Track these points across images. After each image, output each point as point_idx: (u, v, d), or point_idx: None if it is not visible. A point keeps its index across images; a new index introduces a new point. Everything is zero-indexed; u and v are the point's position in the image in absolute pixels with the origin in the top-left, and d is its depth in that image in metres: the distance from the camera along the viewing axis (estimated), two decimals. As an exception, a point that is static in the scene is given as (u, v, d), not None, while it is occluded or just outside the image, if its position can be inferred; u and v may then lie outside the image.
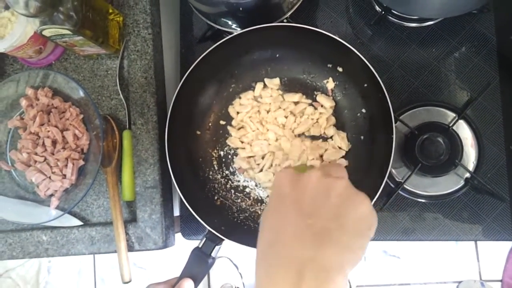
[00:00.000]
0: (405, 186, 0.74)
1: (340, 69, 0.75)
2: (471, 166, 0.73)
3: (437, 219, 0.74)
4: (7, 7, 0.74)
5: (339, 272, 0.37)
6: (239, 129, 0.79)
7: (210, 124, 0.80)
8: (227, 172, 0.79)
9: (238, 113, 0.79)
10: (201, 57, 0.71)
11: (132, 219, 0.77)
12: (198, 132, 0.79)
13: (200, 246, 0.69)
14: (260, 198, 0.78)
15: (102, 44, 0.75)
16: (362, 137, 0.75)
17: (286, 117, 0.77)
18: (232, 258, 1.65)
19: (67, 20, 0.67)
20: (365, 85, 0.72)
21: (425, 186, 0.74)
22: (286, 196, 0.41)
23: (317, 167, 0.43)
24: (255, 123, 0.78)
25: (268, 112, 0.78)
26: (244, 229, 0.75)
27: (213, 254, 0.68)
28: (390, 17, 0.79)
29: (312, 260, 0.37)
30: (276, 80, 0.78)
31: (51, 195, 0.77)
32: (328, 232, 0.38)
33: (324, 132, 0.76)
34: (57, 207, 0.77)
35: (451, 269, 1.56)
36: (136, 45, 0.77)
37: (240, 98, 0.79)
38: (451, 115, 0.74)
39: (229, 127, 0.79)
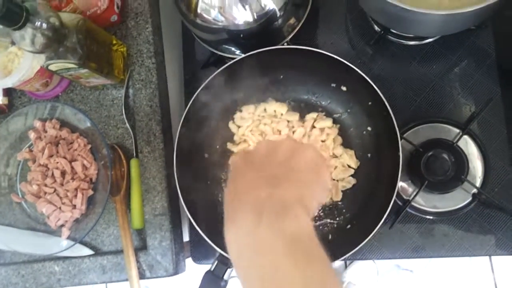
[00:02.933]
0: (412, 203, 0.74)
1: (344, 88, 0.76)
2: (477, 181, 0.73)
3: (446, 235, 0.74)
4: (13, 43, 0.76)
5: (297, 203, 0.39)
6: (239, 143, 0.80)
7: (217, 147, 0.81)
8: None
9: (239, 127, 0.80)
10: (204, 83, 0.72)
11: (142, 246, 0.78)
12: (206, 155, 0.80)
13: (212, 269, 0.70)
14: (268, 220, 0.78)
15: (107, 75, 0.76)
16: (369, 155, 0.75)
17: (293, 128, 0.78)
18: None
19: (72, 54, 0.68)
20: (369, 103, 0.73)
21: (433, 203, 0.74)
22: (239, 167, 0.45)
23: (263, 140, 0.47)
24: (257, 135, 0.78)
25: (271, 123, 0.79)
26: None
27: (225, 277, 0.69)
28: (389, 36, 0.80)
29: (268, 197, 0.39)
30: (284, 106, 0.79)
31: (62, 225, 0.78)
32: (279, 176, 0.42)
33: (333, 153, 0.76)
34: (68, 237, 0.77)
35: (466, 282, 1.54)
36: (141, 74, 0.78)
37: (241, 111, 0.80)
38: (455, 131, 0.74)
39: (228, 144, 0.80)
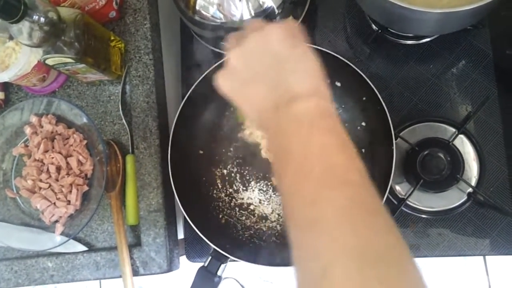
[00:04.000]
0: (408, 202, 0.74)
1: (338, 84, 0.76)
2: (473, 180, 0.73)
3: (441, 235, 0.74)
4: (11, 38, 0.76)
5: (301, 85, 0.42)
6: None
7: (212, 143, 0.80)
8: (230, 190, 0.80)
9: None
10: (201, 77, 0.73)
11: (136, 243, 0.77)
12: (201, 152, 0.80)
13: (205, 265, 0.70)
14: (264, 215, 0.78)
15: (104, 70, 0.76)
16: (363, 150, 0.75)
17: None
18: (239, 279, 1.63)
19: (70, 48, 0.68)
20: (364, 98, 0.73)
21: (428, 202, 0.74)
22: (236, 56, 0.45)
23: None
24: None
25: None
26: (250, 246, 0.75)
27: (219, 273, 0.69)
28: (387, 35, 0.80)
29: (278, 85, 0.42)
30: None
31: (56, 221, 0.78)
32: (275, 68, 0.43)
33: None
34: (62, 233, 0.77)
35: (460, 283, 1.53)
36: (138, 70, 0.78)
37: None
38: (451, 130, 0.74)
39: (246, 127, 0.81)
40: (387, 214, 0.36)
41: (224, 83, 0.46)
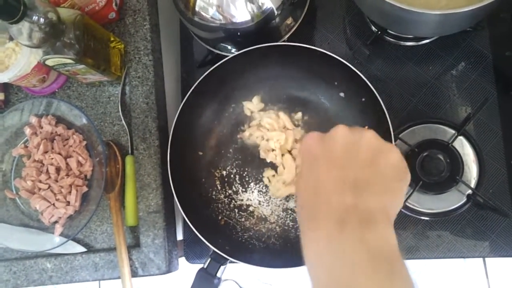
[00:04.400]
0: (407, 204, 0.74)
1: (335, 83, 0.76)
2: (472, 182, 0.73)
3: (440, 237, 0.74)
4: (11, 38, 0.76)
5: (382, 213, 0.37)
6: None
7: (212, 145, 0.80)
8: (230, 191, 0.79)
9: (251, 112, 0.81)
10: (200, 79, 0.73)
11: (135, 244, 0.77)
12: (200, 153, 0.80)
13: (205, 266, 0.69)
14: (264, 217, 0.78)
15: (104, 71, 0.76)
16: None
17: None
18: (239, 281, 1.63)
19: (70, 49, 0.68)
20: (363, 99, 0.73)
21: (428, 204, 0.74)
22: (317, 156, 0.41)
23: (340, 125, 0.42)
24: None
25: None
26: (249, 248, 0.75)
27: (218, 274, 0.69)
28: (386, 37, 0.80)
29: (353, 206, 0.37)
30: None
31: (55, 222, 0.78)
32: (364, 180, 0.38)
33: None
34: (61, 234, 0.77)
35: (460, 285, 1.53)
36: (138, 71, 0.78)
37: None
38: (451, 131, 0.74)
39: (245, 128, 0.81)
40: None
41: (312, 143, 0.42)
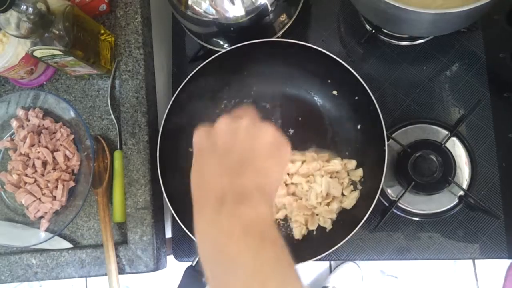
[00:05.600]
0: (399, 204, 0.73)
1: (329, 81, 0.75)
2: (464, 183, 0.73)
3: (432, 238, 0.73)
4: (-1, 29, 0.74)
5: (256, 191, 0.41)
6: None
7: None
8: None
9: None
10: (191, 74, 0.72)
11: (123, 241, 0.76)
12: (190, 150, 0.78)
13: (193, 264, 0.68)
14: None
15: (93, 64, 0.75)
16: (355, 150, 0.75)
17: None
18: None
19: (58, 41, 0.67)
20: (356, 98, 0.72)
21: (419, 204, 0.73)
22: (203, 147, 0.46)
23: (222, 117, 0.47)
24: None
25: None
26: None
27: None
28: (380, 36, 0.79)
29: (230, 186, 0.41)
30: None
31: (41, 217, 0.76)
32: (240, 162, 0.43)
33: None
34: (47, 230, 0.75)
35: (449, 287, 1.54)
36: (128, 65, 0.77)
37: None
38: (444, 132, 0.74)
39: None
40: None
41: (200, 136, 0.47)
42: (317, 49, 0.69)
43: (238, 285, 0.37)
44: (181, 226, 0.68)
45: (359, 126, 0.74)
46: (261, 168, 0.43)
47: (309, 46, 0.69)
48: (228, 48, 0.71)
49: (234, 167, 0.43)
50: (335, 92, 0.76)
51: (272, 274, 0.37)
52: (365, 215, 0.64)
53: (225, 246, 0.38)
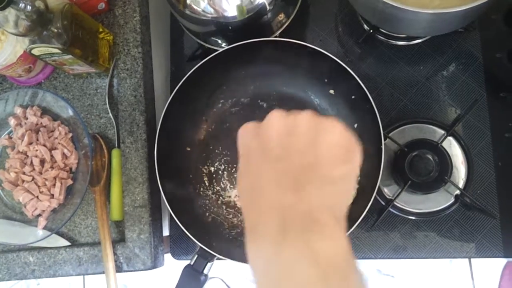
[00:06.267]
0: (395, 203, 0.74)
1: (326, 80, 0.76)
2: (460, 183, 0.73)
3: (428, 237, 0.74)
4: (-4, 27, 0.74)
5: (327, 213, 0.32)
6: None
7: (200, 140, 0.80)
8: (218, 188, 0.79)
9: None
10: (189, 73, 0.72)
11: (120, 239, 0.76)
12: (188, 149, 0.79)
13: (192, 263, 0.69)
14: (251, 215, 0.77)
15: (91, 62, 0.75)
16: None
17: None
18: (225, 279, 1.62)
19: (57, 39, 0.67)
20: (353, 97, 0.72)
21: (416, 203, 0.74)
22: (252, 149, 0.36)
23: (275, 111, 0.37)
24: None
25: None
26: (236, 245, 0.74)
27: (205, 271, 0.68)
28: (378, 36, 0.80)
29: (293, 206, 0.32)
30: None
31: (39, 215, 0.76)
32: (304, 169, 0.33)
33: None
34: (45, 227, 0.76)
35: (445, 286, 1.54)
36: (126, 63, 0.77)
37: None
38: (440, 132, 0.74)
39: None
40: None
41: (248, 137, 0.38)
42: (314, 48, 0.69)
43: None
44: (178, 225, 0.68)
45: (355, 125, 0.74)
46: (329, 180, 0.33)
47: (305, 45, 0.70)
48: (226, 47, 0.71)
49: (297, 178, 0.33)
50: (332, 91, 0.76)
51: None
52: (361, 214, 0.65)
53: None
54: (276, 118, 0.36)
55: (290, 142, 0.35)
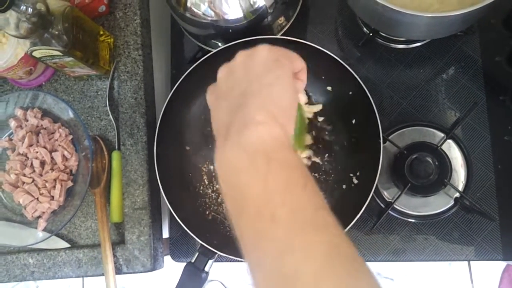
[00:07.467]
0: (395, 206, 0.74)
1: (323, 77, 0.76)
2: (460, 185, 0.73)
3: (427, 239, 0.74)
4: (-2, 29, 0.75)
5: (261, 113, 0.37)
6: None
7: (199, 139, 0.80)
8: (217, 186, 0.79)
9: None
10: (188, 70, 0.72)
11: (120, 241, 0.76)
12: (187, 148, 0.79)
13: (193, 261, 0.69)
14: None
15: (92, 65, 0.75)
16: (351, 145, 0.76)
17: None
18: (224, 282, 1.62)
19: (58, 41, 0.67)
20: (350, 92, 0.73)
21: (415, 206, 0.74)
22: (218, 87, 0.44)
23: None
24: None
25: None
26: (237, 242, 0.74)
27: (206, 269, 0.68)
28: (378, 39, 0.80)
29: (236, 115, 0.38)
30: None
31: (39, 217, 0.77)
32: (247, 89, 0.39)
33: None
34: (45, 229, 0.76)
35: (445, 291, 1.54)
36: (127, 66, 0.77)
37: None
38: (440, 135, 0.75)
39: None
40: (358, 254, 0.33)
41: (209, 95, 0.45)
42: (311, 45, 0.69)
43: (249, 224, 0.34)
44: (178, 227, 0.69)
45: (354, 121, 0.74)
46: (265, 85, 0.39)
47: (302, 43, 0.70)
48: (224, 46, 0.72)
49: (238, 100, 0.39)
50: (329, 88, 0.76)
51: (281, 201, 0.33)
52: (358, 212, 0.65)
53: (236, 181, 0.35)
54: (239, 56, 0.44)
55: (248, 71, 0.41)
